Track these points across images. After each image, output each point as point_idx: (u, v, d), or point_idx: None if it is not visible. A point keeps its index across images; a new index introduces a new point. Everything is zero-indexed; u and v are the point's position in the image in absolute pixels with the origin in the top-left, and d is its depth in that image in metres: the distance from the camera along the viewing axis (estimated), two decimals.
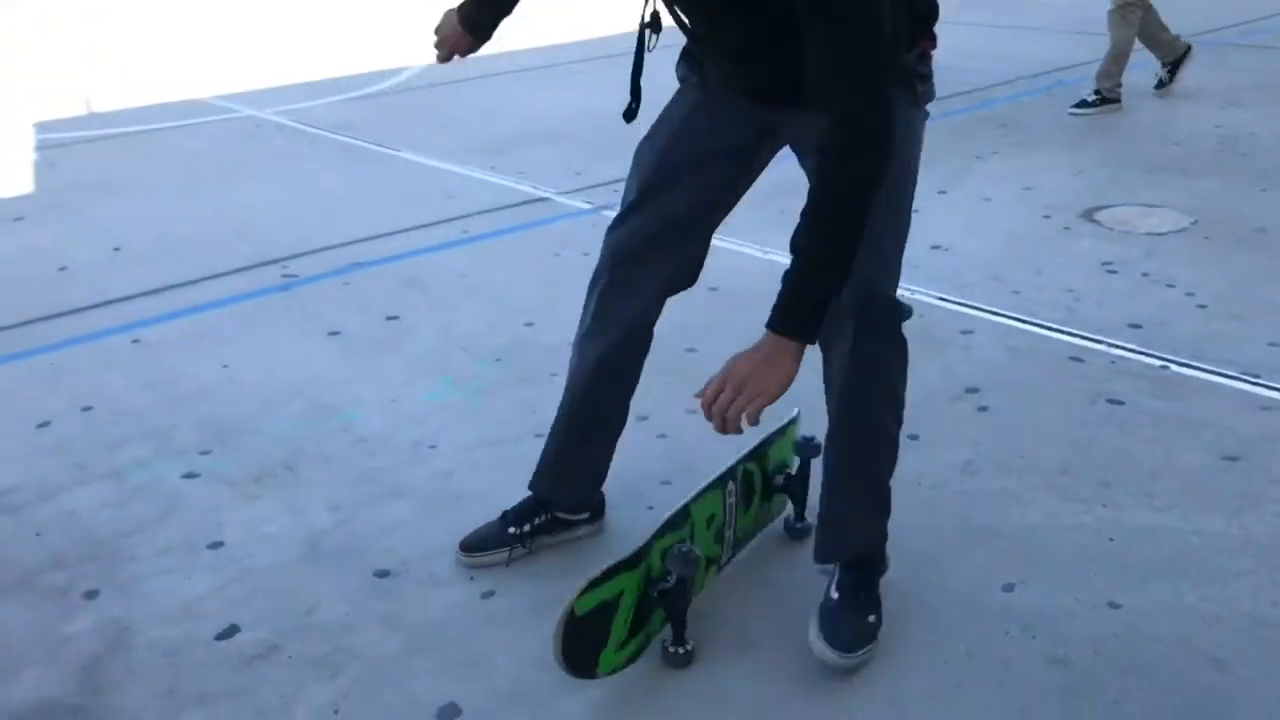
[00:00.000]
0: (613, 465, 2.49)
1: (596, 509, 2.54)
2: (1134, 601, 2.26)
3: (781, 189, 3.38)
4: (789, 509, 2.54)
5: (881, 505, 2.22)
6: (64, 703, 2.10)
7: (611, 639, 2.02)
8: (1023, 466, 2.73)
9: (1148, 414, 2.96)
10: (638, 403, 2.98)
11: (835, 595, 2.16)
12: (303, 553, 2.52)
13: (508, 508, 2.49)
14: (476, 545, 2.46)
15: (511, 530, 2.45)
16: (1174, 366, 3.21)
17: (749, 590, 2.34)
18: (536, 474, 2.47)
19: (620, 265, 2.28)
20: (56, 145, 6.30)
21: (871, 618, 2.15)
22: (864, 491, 2.19)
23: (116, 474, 2.86)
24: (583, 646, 1.98)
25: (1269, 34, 8.29)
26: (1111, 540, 2.45)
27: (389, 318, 3.76)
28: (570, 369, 2.39)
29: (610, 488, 2.54)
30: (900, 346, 2.12)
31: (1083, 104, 6.08)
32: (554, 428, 2.45)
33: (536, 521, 2.46)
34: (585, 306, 2.34)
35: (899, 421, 2.18)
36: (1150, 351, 3.30)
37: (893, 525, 2.48)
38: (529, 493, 2.49)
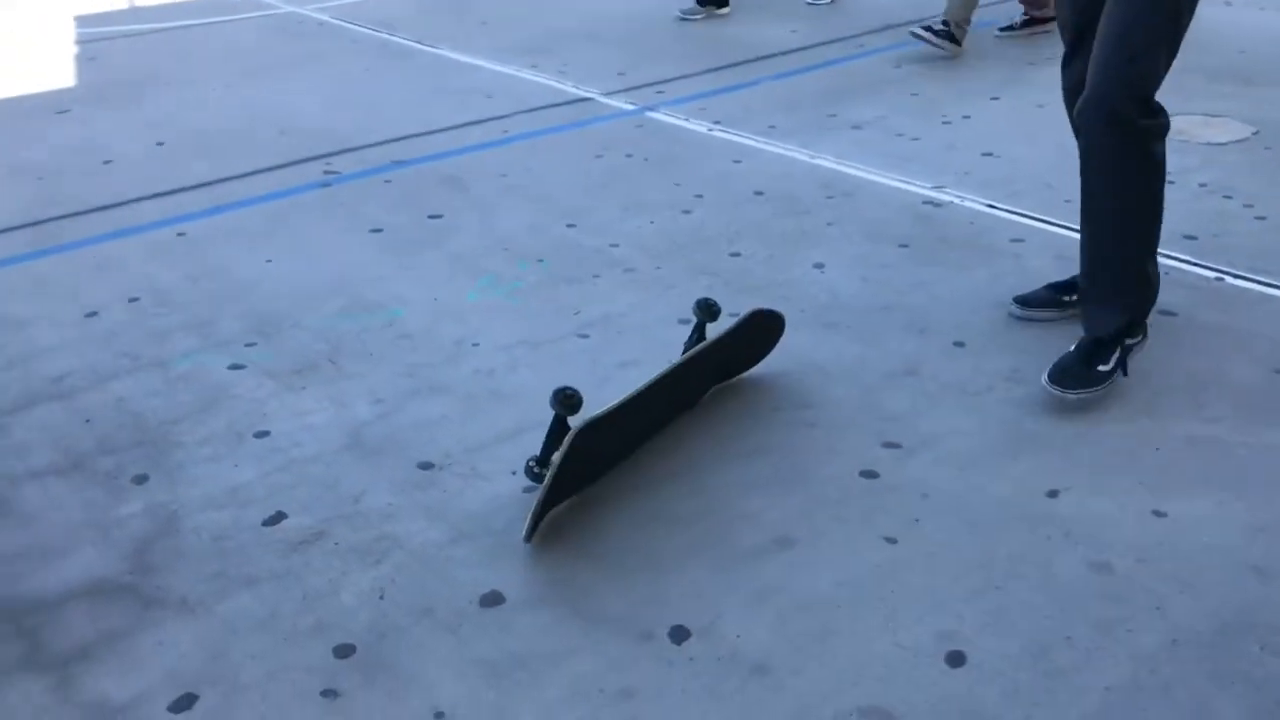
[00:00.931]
0: (650, 357, 2.49)
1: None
2: (1179, 510, 2.24)
3: (828, 96, 3.29)
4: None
5: (1125, 290, 2.62)
6: (115, 581, 2.15)
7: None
8: None
9: (1200, 326, 2.90)
10: (679, 307, 2.98)
11: (1072, 350, 2.59)
12: (346, 443, 2.55)
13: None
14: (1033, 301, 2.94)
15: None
16: (1229, 278, 3.14)
17: (787, 490, 2.34)
18: None
19: (1071, 101, 2.72)
20: (98, 39, 6.27)
21: (1102, 367, 2.54)
22: (1106, 281, 2.64)
23: (163, 363, 2.89)
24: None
25: None
26: (1158, 449, 2.43)
27: (431, 216, 3.74)
28: None
29: (641, 382, 2.53)
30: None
31: (1010, 28, 5.59)
32: None
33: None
34: None
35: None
36: (1205, 263, 3.23)
37: (934, 428, 2.47)
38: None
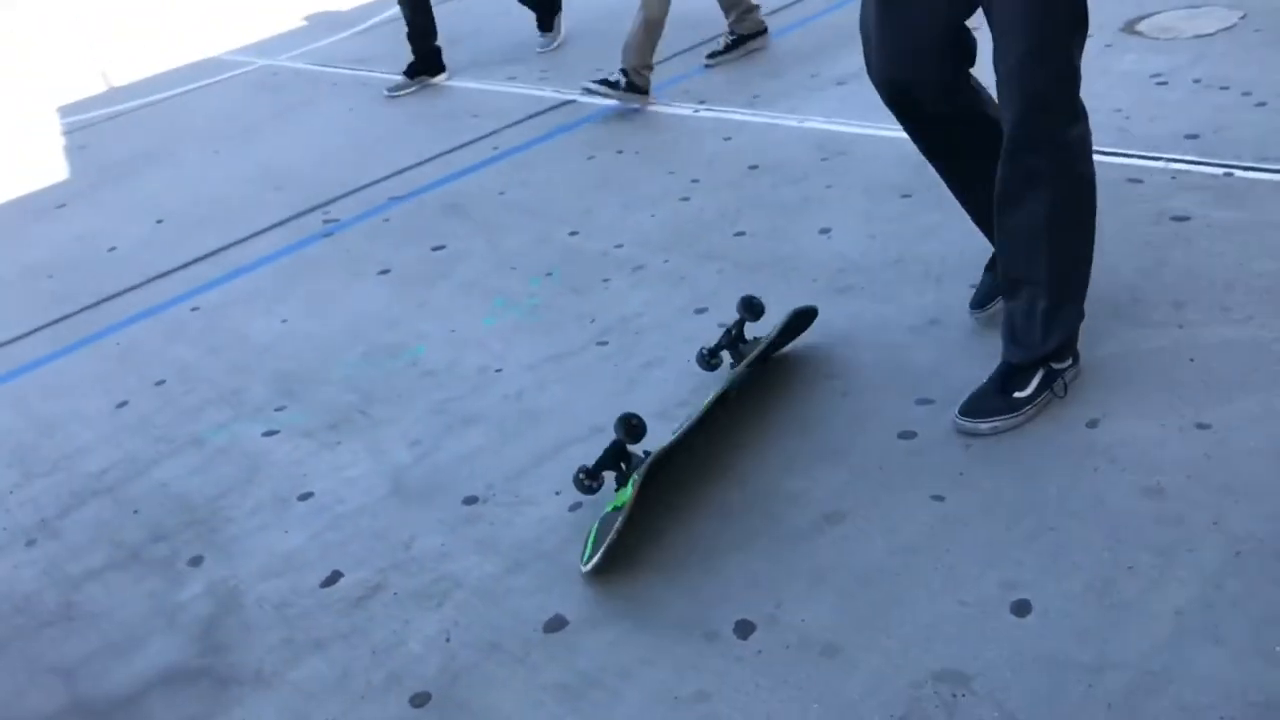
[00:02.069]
0: (673, 354, 2.51)
1: None
2: (1222, 419, 2.22)
3: (807, 55, 3.26)
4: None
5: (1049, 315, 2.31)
6: (189, 665, 2.19)
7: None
8: (1091, 298, 2.65)
9: (1215, 226, 2.87)
10: (693, 298, 2.97)
11: (986, 380, 2.36)
12: (390, 491, 2.57)
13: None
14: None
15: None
16: (1238, 172, 3.10)
17: (829, 465, 2.34)
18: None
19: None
20: (84, 126, 6.34)
21: (1018, 393, 2.31)
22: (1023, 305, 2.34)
23: (198, 441, 2.93)
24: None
25: None
26: (1192, 360, 2.40)
27: (435, 248, 3.76)
28: None
29: (668, 380, 2.54)
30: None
31: (715, 54, 4.94)
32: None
33: None
34: None
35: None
36: (1211, 160, 3.18)
37: (963, 378, 2.46)
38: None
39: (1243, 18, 4.16)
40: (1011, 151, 2.23)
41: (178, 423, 3.03)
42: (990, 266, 2.65)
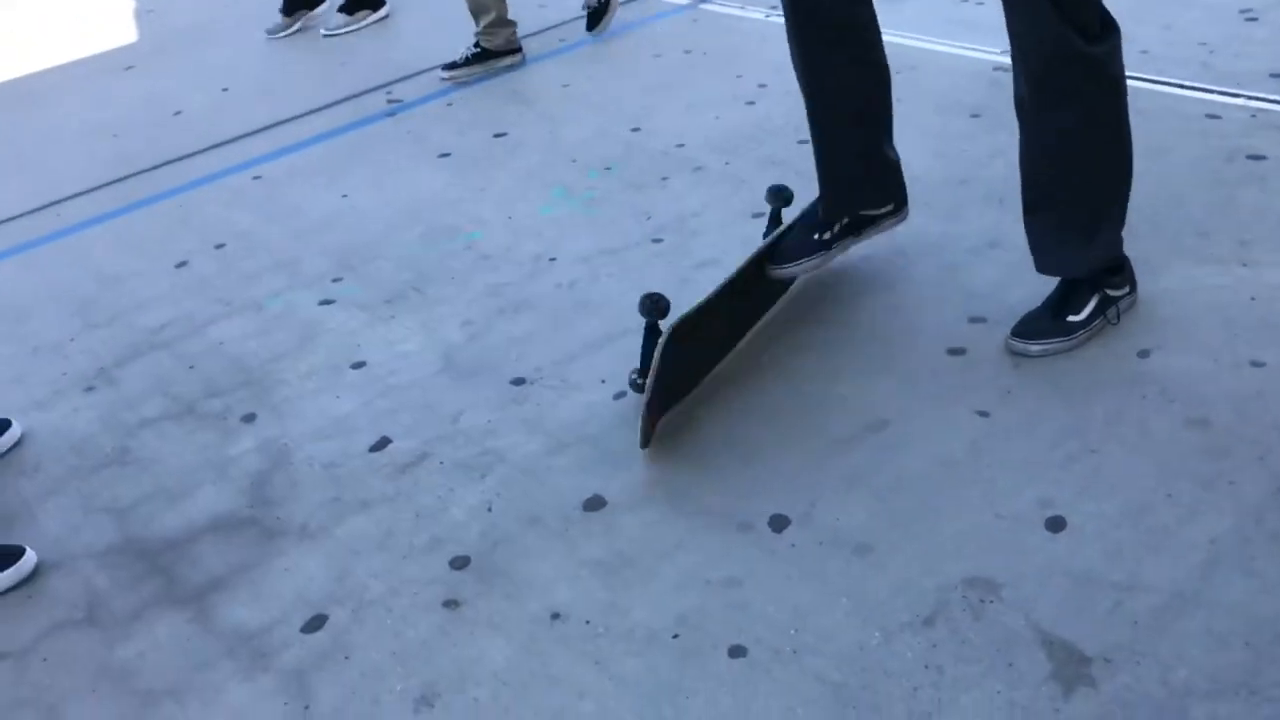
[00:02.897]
0: (728, 255, 2.51)
1: (900, 199, 2.62)
2: (1277, 358, 2.21)
3: None
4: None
5: (1090, 232, 2.27)
6: (238, 515, 2.26)
7: None
8: (1156, 232, 2.65)
9: None
10: (752, 202, 2.94)
11: (1042, 303, 2.35)
12: (440, 367, 2.62)
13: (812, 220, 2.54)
14: (787, 257, 2.50)
15: (817, 237, 2.52)
16: None
17: (877, 373, 2.35)
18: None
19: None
20: None
21: (1073, 317, 2.30)
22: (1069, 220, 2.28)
23: (256, 305, 2.98)
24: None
25: None
26: (1253, 299, 2.38)
27: (496, 135, 3.76)
28: None
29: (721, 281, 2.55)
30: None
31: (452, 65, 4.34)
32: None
33: (844, 223, 2.55)
34: None
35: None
36: None
37: (1018, 299, 2.45)
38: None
39: None
40: (1041, 69, 2.13)
41: (236, 286, 3.09)
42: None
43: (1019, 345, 2.33)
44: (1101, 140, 2.21)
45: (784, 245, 2.52)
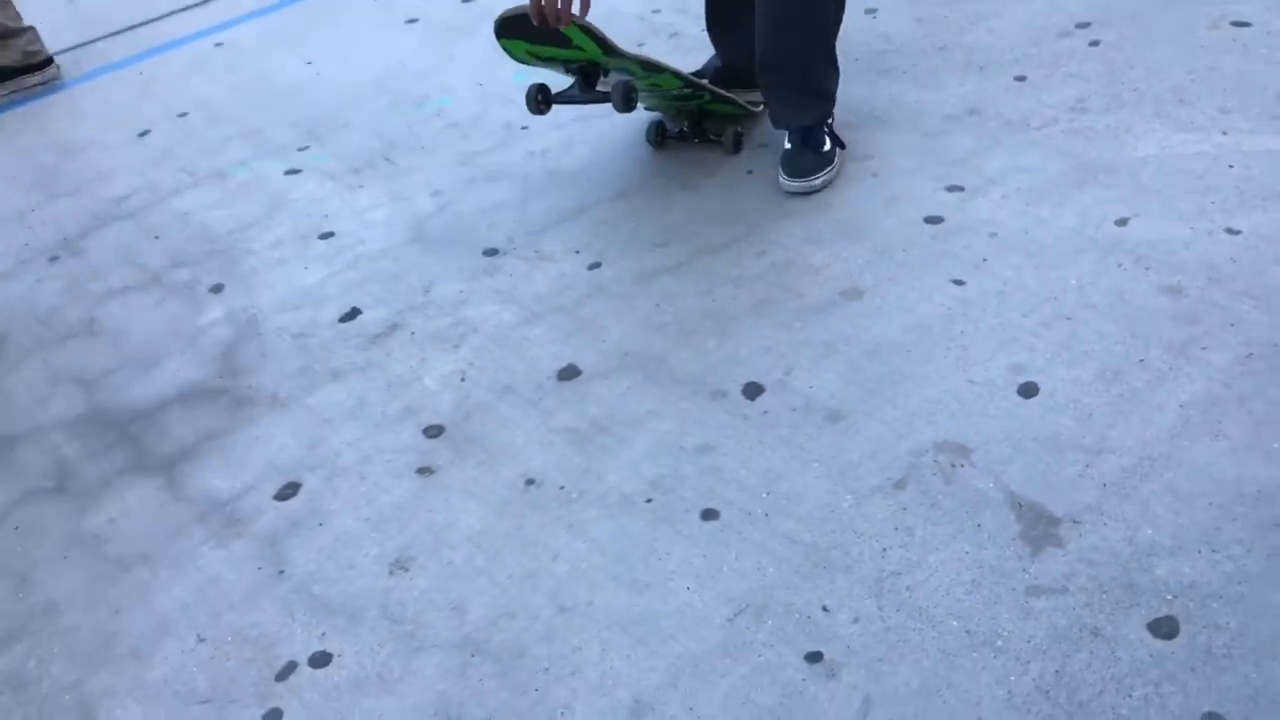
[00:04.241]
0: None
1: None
2: (1253, 226, 2.20)
3: None
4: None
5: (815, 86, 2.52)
6: (207, 385, 2.24)
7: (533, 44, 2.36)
8: (1137, 99, 2.61)
9: (1276, 33, 2.76)
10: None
11: (789, 145, 2.51)
12: (411, 237, 2.57)
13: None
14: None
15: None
16: None
17: (852, 242, 2.33)
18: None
19: None
20: None
21: (826, 148, 2.49)
22: (797, 75, 2.50)
23: (221, 175, 2.91)
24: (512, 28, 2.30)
25: None
26: (1231, 167, 2.36)
27: (464, 0, 3.64)
28: None
29: (704, 155, 2.50)
30: None
31: None
32: None
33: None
34: None
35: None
36: None
37: (996, 167, 2.42)
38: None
39: None
40: None
41: (200, 155, 3.01)
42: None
43: (799, 184, 2.47)
44: (817, 8, 2.43)
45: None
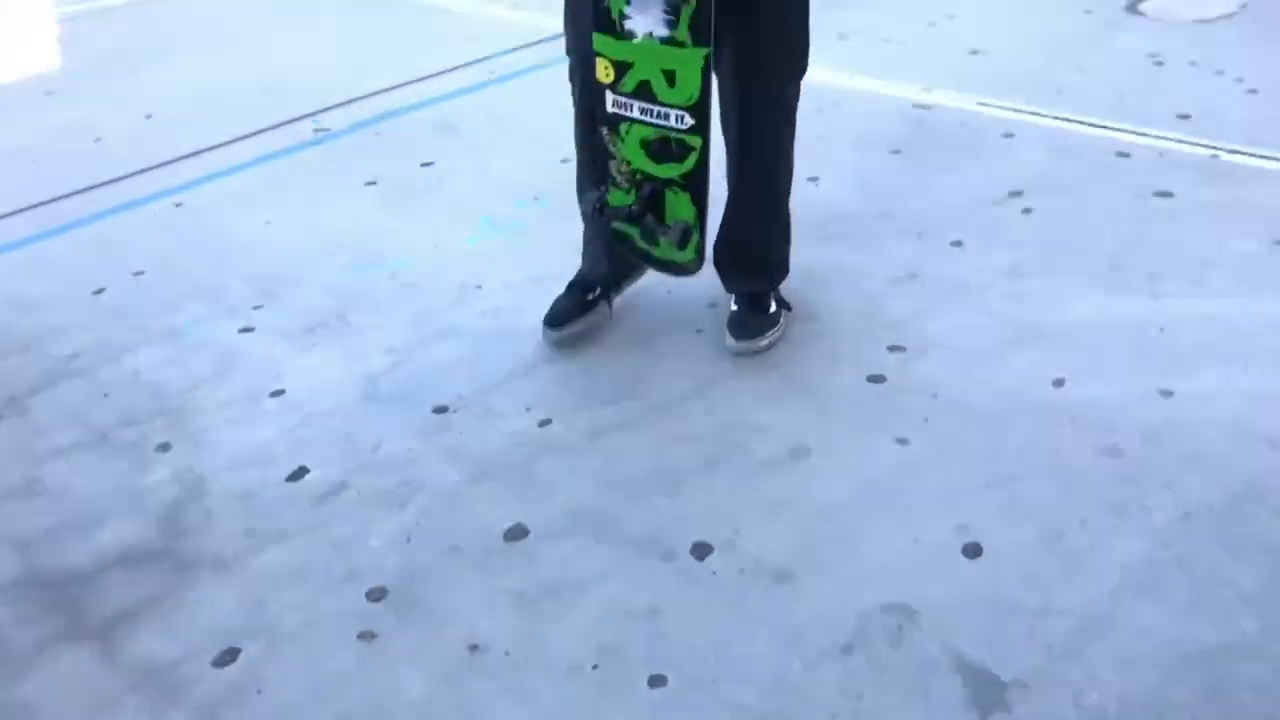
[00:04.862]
0: (652, 278, 2.69)
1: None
2: (1185, 388, 2.27)
3: (812, 7, 3.17)
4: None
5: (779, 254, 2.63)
6: (149, 547, 2.21)
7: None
8: (1070, 265, 2.71)
9: (1198, 204, 2.90)
10: None
11: (735, 307, 2.59)
12: (362, 395, 2.59)
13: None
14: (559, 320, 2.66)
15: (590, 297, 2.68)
16: (1224, 154, 3.13)
17: (798, 401, 2.37)
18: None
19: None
20: (79, 16, 6.23)
21: (772, 310, 2.56)
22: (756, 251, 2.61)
23: (174, 333, 2.92)
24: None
25: None
26: (1162, 330, 2.45)
27: (424, 164, 3.74)
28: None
29: (646, 309, 2.57)
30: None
31: None
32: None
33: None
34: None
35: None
36: (1199, 141, 3.22)
37: (937, 329, 2.49)
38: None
39: (1243, 6, 4.18)
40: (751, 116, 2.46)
41: (154, 313, 3.03)
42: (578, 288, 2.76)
43: (746, 345, 2.52)
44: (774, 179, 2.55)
45: None
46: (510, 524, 2.14)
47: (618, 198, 2.47)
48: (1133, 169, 3.12)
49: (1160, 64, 3.78)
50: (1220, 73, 3.65)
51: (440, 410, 2.50)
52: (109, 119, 4.53)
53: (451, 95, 4.34)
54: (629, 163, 2.43)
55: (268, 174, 3.83)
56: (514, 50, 4.74)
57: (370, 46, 5.07)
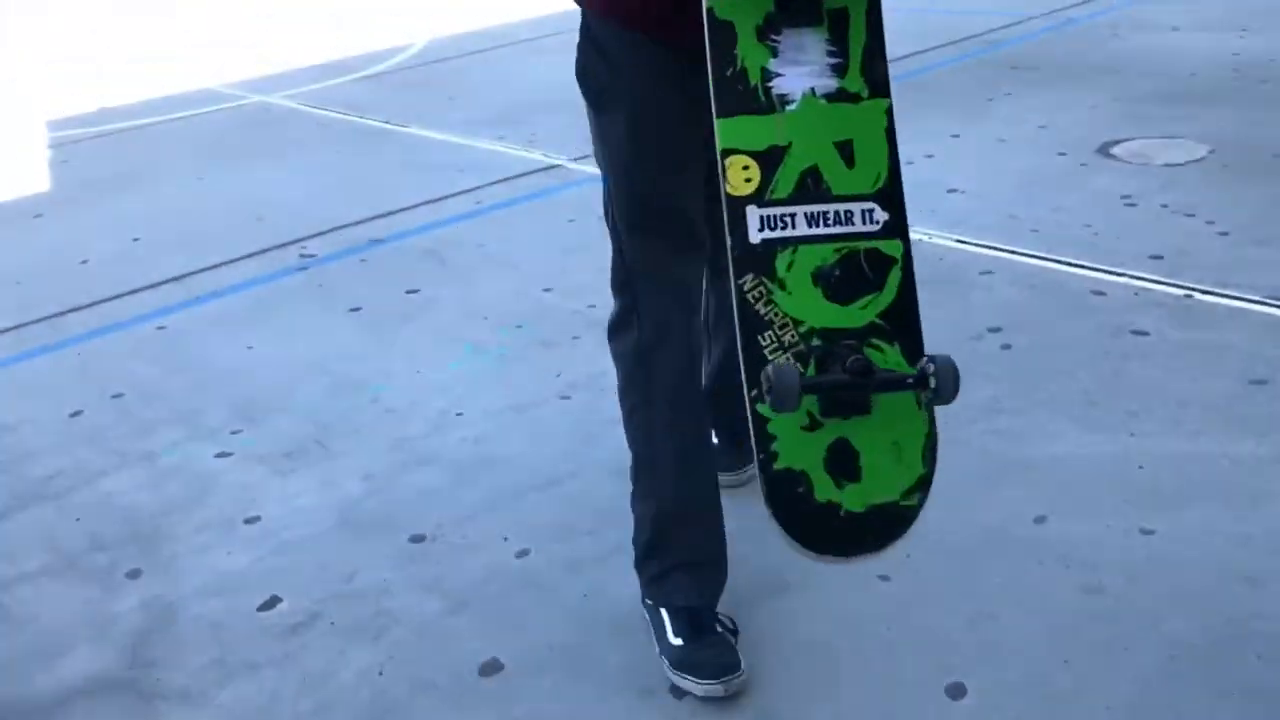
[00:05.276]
0: None
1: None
2: (1166, 527, 2.26)
3: None
4: None
5: None
6: (115, 677, 2.15)
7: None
8: (1048, 401, 2.73)
9: (1173, 343, 2.95)
10: None
11: (717, 440, 2.31)
12: (338, 523, 2.55)
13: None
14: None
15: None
16: (1198, 295, 3.19)
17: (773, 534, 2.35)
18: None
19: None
20: (69, 141, 6.34)
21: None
22: None
23: (150, 457, 2.90)
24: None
25: None
26: (1141, 468, 2.45)
27: (409, 291, 3.78)
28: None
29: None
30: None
31: None
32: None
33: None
34: None
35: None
36: (1173, 281, 3.28)
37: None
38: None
39: (1211, 151, 4.31)
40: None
41: (131, 437, 3.01)
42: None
43: (731, 478, 2.36)
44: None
45: None
46: (486, 658, 2.10)
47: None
48: (1109, 307, 3.17)
49: (1133, 205, 3.88)
50: (1191, 215, 3.74)
51: (417, 539, 2.47)
52: (96, 242, 4.57)
53: (438, 224, 4.41)
54: (798, 321, 1.60)
55: (252, 299, 3.85)
56: (501, 181, 4.83)
57: (359, 176, 5.16)
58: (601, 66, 1.88)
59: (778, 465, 1.59)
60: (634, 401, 2.06)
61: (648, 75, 1.83)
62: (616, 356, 2.08)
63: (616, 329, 2.04)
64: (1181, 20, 6.35)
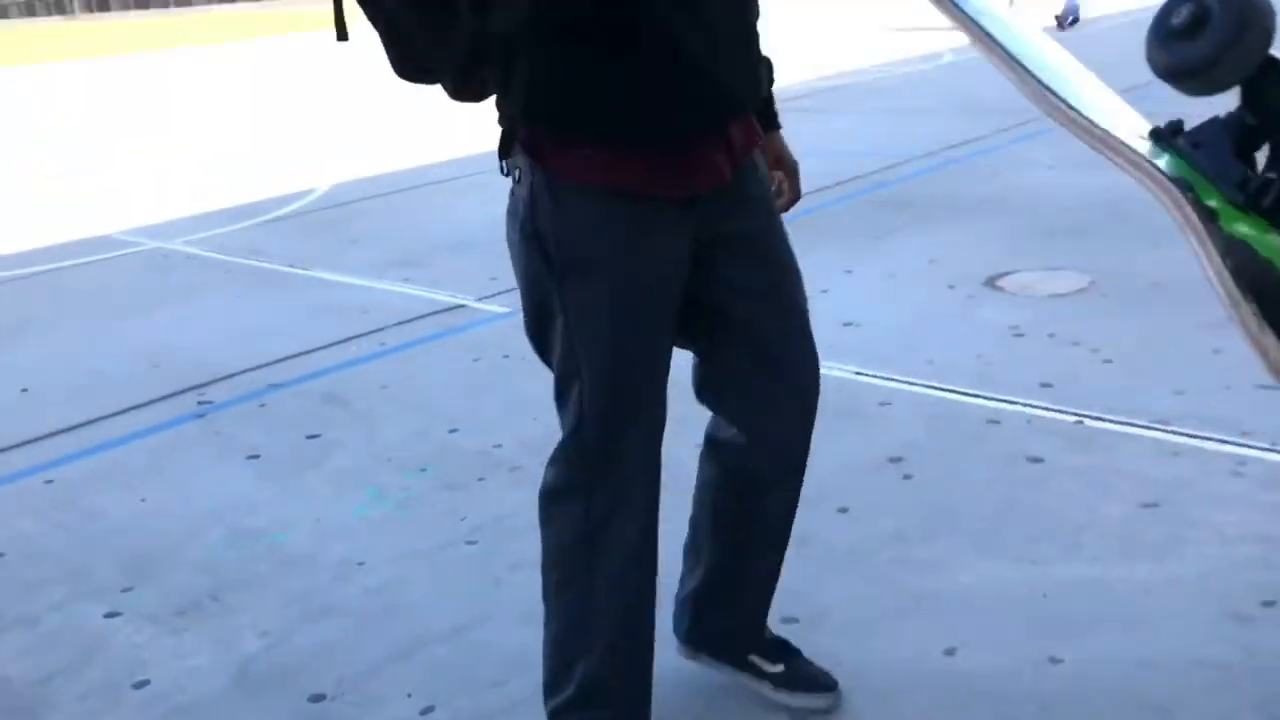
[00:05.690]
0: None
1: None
2: (1074, 655, 2.28)
3: None
4: None
5: None
6: None
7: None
8: (951, 530, 2.77)
9: (1066, 469, 3.02)
10: None
11: None
12: (233, 683, 2.44)
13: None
14: None
15: None
16: (1087, 421, 3.29)
17: (696, 672, 2.31)
18: None
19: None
20: None
21: None
22: None
23: (33, 620, 2.76)
24: None
25: None
26: (1045, 596, 2.48)
27: (309, 436, 3.71)
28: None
29: (535, 582, 2.52)
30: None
31: None
32: None
33: None
34: None
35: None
36: (1063, 408, 3.38)
37: (829, 598, 2.48)
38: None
39: (1092, 282, 4.51)
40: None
41: (11, 599, 2.86)
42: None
43: None
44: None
45: None
46: None
47: None
48: (1003, 436, 3.25)
49: (1021, 335, 4.01)
50: (1076, 343, 3.88)
51: (317, 698, 2.37)
52: None
53: (340, 367, 4.36)
54: None
55: (146, 449, 3.74)
56: (406, 322, 4.82)
57: (259, 321, 5.10)
58: (569, 229, 1.67)
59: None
60: (565, 576, 1.90)
61: (636, 235, 1.68)
62: (550, 519, 1.89)
63: (558, 497, 1.87)
64: (1056, 159, 6.68)
